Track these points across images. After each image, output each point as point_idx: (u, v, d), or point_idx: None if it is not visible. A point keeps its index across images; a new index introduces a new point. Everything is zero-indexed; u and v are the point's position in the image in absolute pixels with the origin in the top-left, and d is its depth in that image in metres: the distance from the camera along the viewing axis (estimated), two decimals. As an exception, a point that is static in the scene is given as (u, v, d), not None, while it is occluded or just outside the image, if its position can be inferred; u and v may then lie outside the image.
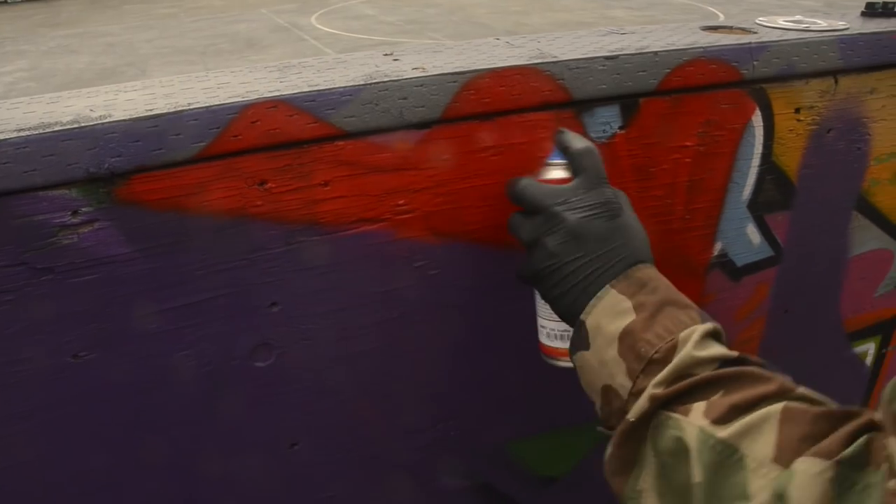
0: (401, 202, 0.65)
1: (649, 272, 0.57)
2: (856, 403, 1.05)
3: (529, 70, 0.65)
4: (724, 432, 0.46)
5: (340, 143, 0.61)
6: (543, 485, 0.91)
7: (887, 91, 0.90)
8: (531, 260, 0.59)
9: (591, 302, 0.55)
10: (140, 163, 0.55)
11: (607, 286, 0.55)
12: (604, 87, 0.68)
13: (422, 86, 0.62)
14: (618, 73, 0.69)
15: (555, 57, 0.67)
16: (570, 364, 0.61)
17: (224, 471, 0.68)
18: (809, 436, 0.44)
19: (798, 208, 0.90)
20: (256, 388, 0.67)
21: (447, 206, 0.67)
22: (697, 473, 0.46)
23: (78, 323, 0.56)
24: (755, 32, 0.82)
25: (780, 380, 0.50)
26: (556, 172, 0.61)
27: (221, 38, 9.94)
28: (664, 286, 0.56)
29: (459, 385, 0.77)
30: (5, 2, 16.71)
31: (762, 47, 0.76)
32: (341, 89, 0.59)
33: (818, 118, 0.85)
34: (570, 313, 0.57)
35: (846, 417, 0.44)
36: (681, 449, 0.48)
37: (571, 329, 0.58)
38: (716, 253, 0.86)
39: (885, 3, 0.95)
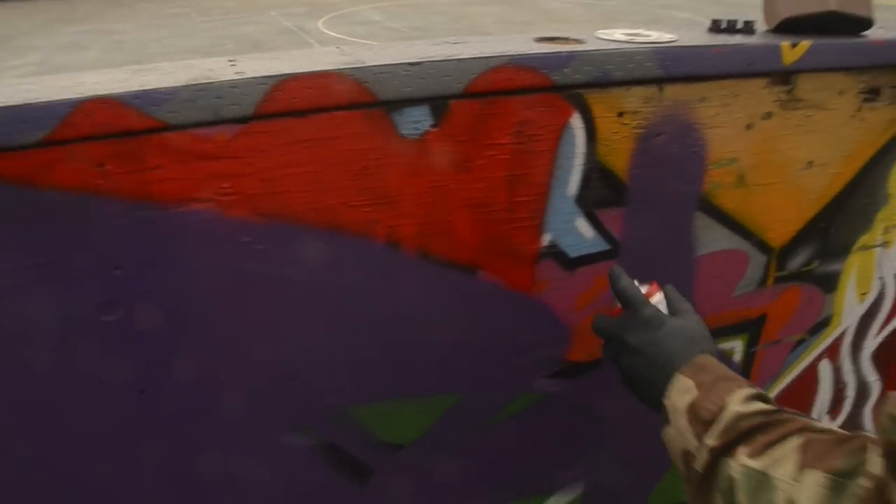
0: (225, 185, 0.82)
1: (707, 359, 0.78)
2: None
3: (333, 74, 0.81)
4: (758, 464, 0.63)
5: (166, 134, 0.78)
6: (391, 450, 1.06)
7: (719, 100, 1.04)
8: (623, 371, 0.87)
9: (668, 387, 0.76)
10: (4, 141, 0.72)
11: (675, 373, 0.75)
12: (409, 89, 0.84)
13: (235, 87, 0.78)
14: (422, 78, 0.84)
15: (362, 63, 0.83)
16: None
17: (81, 413, 0.85)
18: (820, 457, 0.59)
19: (632, 205, 1.04)
20: (106, 339, 0.84)
21: (269, 191, 0.84)
22: (742, 499, 0.63)
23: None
24: (583, 42, 0.97)
25: (804, 420, 0.66)
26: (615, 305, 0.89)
27: (228, 39, 10.36)
28: (718, 367, 0.76)
29: (298, 350, 0.94)
30: None
31: (571, 56, 0.91)
32: (163, 89, 0.76)
33: (644, 122, 0.99)
34: (652, 397, 0.80)
35: (849, 440, 0.60)
36: (732, 485, 0.65)
37: None
38: (545, 244, 1.00)
39: (728, 21, 1.10)
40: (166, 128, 0.77)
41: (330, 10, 13.20)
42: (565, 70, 0.90)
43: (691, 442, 0.71)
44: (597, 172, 0.99)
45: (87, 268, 0.79)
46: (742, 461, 0.64)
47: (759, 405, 0.69)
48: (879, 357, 1.47)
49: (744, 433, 0.66)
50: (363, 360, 0.97)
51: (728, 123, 1.06)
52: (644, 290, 0.90)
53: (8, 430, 0.82)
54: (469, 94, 0.87)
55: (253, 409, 0.94)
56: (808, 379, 1.42)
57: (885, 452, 0.54)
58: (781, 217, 1.19)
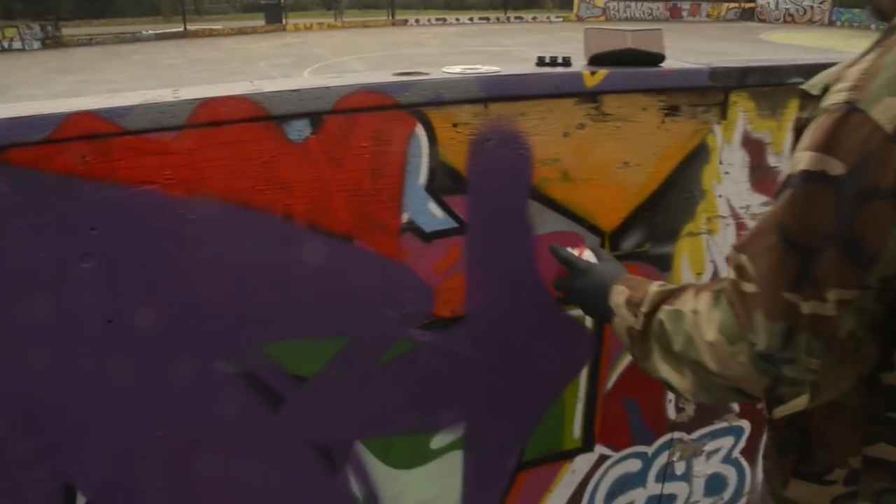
0: (167, 173, 1.29)
1: (629, 274, 1.23)
2: (587, 359, 1.63)
3: (238, 98, 1.28)
4: (673, 307, 1.01)
5: (126, 137, 1.25)
6: (297, 382, 1.50)
7: (537, 114, 1.50)
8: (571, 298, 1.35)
9: (609, 295, 1.19)
10: (14, 141, 1.19)
11: (612, 285, 1.19)
12: (292, 108, 1.31)
13: (172, 106, 1.26)
14: (301, 100, 1.31)
15: (259, 90, 1.30)
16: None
17: (60, 341, 1.30)
18: (706, 287, 0.98)
19: (472, 194, 1.49)
20: (84, 281, 1.29)
21: (198, 178, 1.30)
22: (669, 329, 1.00)
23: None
24: (427, 74, 1.45)
25: (692, 286, 1.04)
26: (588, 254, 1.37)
27: (214, 88, 11.52)
28: (638, 277, 1.21)
29: (221, 295, 1.38)
30: (23, 49, 18.83)
31: (411, 84, 1.38)
32: (123, 107, 1.24)
33: (475, 131, 1.45)
34: (600, 306, 1.22)
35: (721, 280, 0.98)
36: (661, 326, 1.02)
37: None
38: (404, 221, 1.45)
39: (550, 57, 1.57)
40: (126, 133, 1.24)
41: (316, 61, 14.38)
42: (406, 93, 1.37)
43: (631, 319, 1.11)
44: (440, 168, 1.44)
45: (72, 228, 1.25)
46: (664, 310, 1.03)
47: (670, 287, 1.10)
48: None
49: (663, 298, 1.06)
50: (271, 306, 1.41)
51: (547, 132, 1.51)
52: (576, 252, 1.38)
53: (13, 344, 1.27)
54: (336, 111, 1.34)
55: (193, 338, 1.38)
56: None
57: (733, 267, 0.91)
58: (608, 206, 1.63)
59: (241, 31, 26.71)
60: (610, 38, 1.55)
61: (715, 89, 1.63)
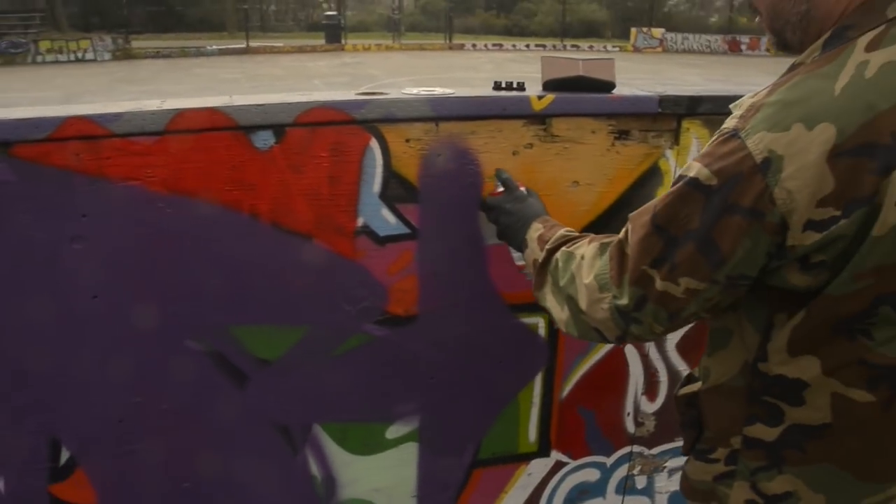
0: (149, 171, 1.50)
1: (547, 217, 1.43)
2: (540, 366, 1.76)
3: (211, 110, 1.49)
4: (569, 249, 1.22)
5: (114, 139, 1.47)
6: (261, 364, 1.68)
7: (486, 133, 1.65)
8: (499, 227, 1.53)
9: (527, 230, 1.39)
10: (21, 138, 1.43)
11: (531, 221, 1.40)
12: (258, 120, 1.51)
13: (153, 114, 1.47)
14: (266, 113, 1.51)
15: (230, 103, 1.50)
16: (528, 274, 1.40)
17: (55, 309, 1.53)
18: (596, 240, 1.18)
19: (424, 203, 1.65)
20: (76, 261, 1.52)
21: (176, 177, 1.51)
22: (560, 267, 1.21)
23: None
24: (386, 94, 1.62)
25: (591, 236, 1.23)
26: (499, 189, 1.55)
27: (268, 102, 12.31)
28: (553, 221, 1.40)
29: (193, 280, 1.58)
30: (95, 60, 20.39)
31: (364, 102, 1.55)
32: (112, 114, 1.46)
33: (426, 147, 1.61)
34: (517, 238, 1.42)
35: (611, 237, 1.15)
36: (556, 263, 1.23)
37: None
38: (359, 224, 1.62)
39: (506, 83, 1.72)
40: (114, 135, 1.47)
41: (370, 81, 14.88)
42: (362, 111, 1.55)
43: (537, 252, 1.31)
44: (394, 178, 1.61)
45: (66, 214, 1.48)
46: (562, 250, 1.24)
47: (574, 234, 1.31)
48: (685, 348, 1.96)
49: (565, 241, 1.26)
50: (237, 293, 1.60)
51: (497, 150, 1.66)
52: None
53: (9, 311, 1.50)
54: (297, 123, 1.53)
55: (167, 316, 1.58)
56: (616, 359, 1.92)
57: (624, 229, 1.09)
58: (559, 221, 1.75)
59: (301, 49, 27.55)
60: (563, 65, 1.69)
61: (666, 116, 1.74)
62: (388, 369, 1.75)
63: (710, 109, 1.75)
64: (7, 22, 23.59)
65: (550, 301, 1.24)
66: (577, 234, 1.30)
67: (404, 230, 1.64)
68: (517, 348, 1.82)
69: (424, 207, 1.64)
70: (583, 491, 2.03)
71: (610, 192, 1.76)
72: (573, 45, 30.09)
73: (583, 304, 1.12)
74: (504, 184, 1.54)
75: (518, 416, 1.90)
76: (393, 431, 1.81)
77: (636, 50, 29.58)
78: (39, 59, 22.24)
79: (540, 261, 1.28)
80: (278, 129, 1.52)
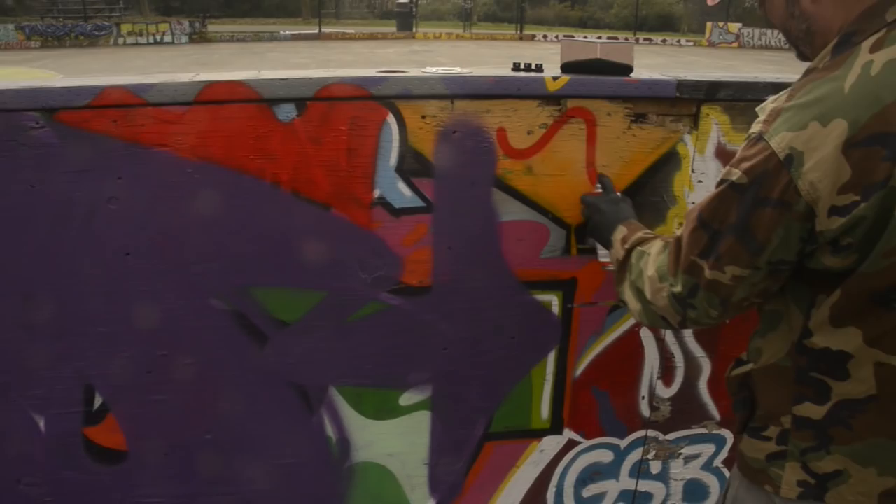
0: (178, 138, 1.61)
1: (633, 221, 1.50)
2: (554, 343, 1.82)
3: (237, 83, 1.59)
4: (642, 248, 1.35)
5: (147, 108, 1.59)
6: (280, 325, 1.78)
7: (501, 112, 1.70)
8: (590, 223, 1.63)
9: (614, 232, 1.47)
10: (64, 104, 1.56)
11: (618, 224, 1.48)
12: (281, 93, 1.60)
13: (184, 86, 1.58)
14: (288, 87, 1.60)
15: (256, 77, 1.60)
16: (610, 269, 1.57)
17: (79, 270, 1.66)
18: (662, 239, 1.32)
19: (438, 178, 1.71)
20: (108, 219, 1.65)
21: (203, 144, 1.62)
22: (634, 262, 1.33)
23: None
24: (404, 72, 1.69)
25: (663, 236, 1.34)
26: (597, 190, 1.69)
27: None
28: (638, 224, 1.49)
29: (217, 241, 1.69)
30: (172, 42, 21.18)
31: (382, 79, 1.63)
32: (146, 84, 1.58)
33: (442, 123, 1.68)
34: (605, 238, 1.52)
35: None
36: (633, 260, 1.34)
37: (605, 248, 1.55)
38: (376, 196, 1.70)
39: (525, 64, 1.76)
40: (147, 104, 1.58)
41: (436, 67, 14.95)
42: (378, 87, 1.63)
43: (619, 252, 1.41)
44: (410, 153, 1.68)
45: (102, 175, 1.60)
46: (637, 249, 1.35)
47: (651, 234, 1.41)
48: (702, 337, 1.97)
49: (641, 241, 1.37)
50: (259, 257, 1.71)
51: (511, 129, 1.71)
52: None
53: (51, 264, 1.65)
54: (318, 98, 1.62)
55: (194, 276, 1.70)
56: (632, 341, 1.95)
57: (682, 226, 1.20)
58: (572, 202, 1.79)
59: (372, 36, 27.93)
60: (581, 48, 1.73)
61: (685, 101, 1.75)
62: (402, 338, 1.82)
63: (731, 95, 1.76)
64: (94, 6, 24.75)
65: (627, 295, 1.35)
66: (651, 234, 1.40)
67: (419, 203, 1.71)
68: (530, 325, 1.87)
69: (439, 182, 1.71)
70: (595, 472, 2.06)
71: (626, 175, 1.79)
72: (646, 39, 29.47)
73: (648, 294, 1.25)
74: (603, 185, 1.65)
75: (531, 392, 1.94)
76: (406, 398, 1.88)
77: (711, 45, 28.78)
78: (121, 41, 23.35)
79: (620, 259, 1.39)
80: (300, 103, 1.61)
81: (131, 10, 26.22)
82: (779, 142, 1.02)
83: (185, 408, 1.79)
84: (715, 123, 1.78)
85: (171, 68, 15.92)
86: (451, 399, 1.90)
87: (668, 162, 1.79)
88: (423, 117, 1.66)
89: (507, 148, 1.71)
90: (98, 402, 1.74)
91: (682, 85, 1.72)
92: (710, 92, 1.74)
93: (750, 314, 1.26)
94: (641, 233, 1.42)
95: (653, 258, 1.27)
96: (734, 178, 1.09)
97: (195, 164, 1.61)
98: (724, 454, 2.11)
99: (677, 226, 1.84)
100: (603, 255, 1.69)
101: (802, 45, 1.17)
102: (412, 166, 1.68)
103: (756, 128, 1.09)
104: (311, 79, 1.60)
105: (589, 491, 2.09)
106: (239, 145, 1.62)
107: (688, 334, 1.97)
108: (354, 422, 1.88)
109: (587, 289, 1.87)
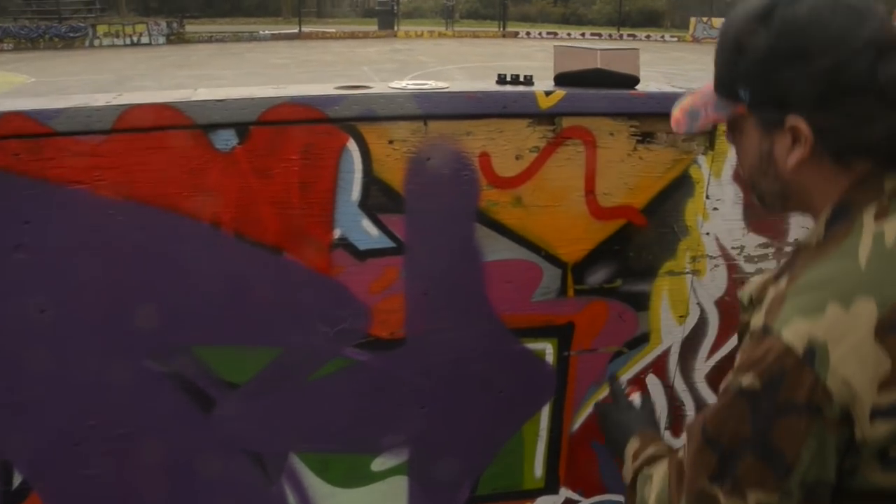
0: (96, 174, 1.33)
1: (647, 431, 1.27)
2: (548, 396, 1.54)
3: (162, 106, 1.30)
4: (648, 471, 1.11)
5: (56, 138, 1.30)
6: (229, 388, 1.50)
7: (484, 134, 1.42)
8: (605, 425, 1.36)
9: (627, 444, 1.24)
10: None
11: (633, 437, 1.25)
12: (218, 117, 1.31)
13: (99, 110, 1.29)
14: (226, 110, 1.31)
15: (186, 98, 1.31)
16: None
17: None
18: (671, 464, 1.04)
19: (410, 214, 1.43)
20: (15, 271, 1.36)
21: (127, 180, 1.33)
22: (639, 490, 1.11)
23: None
24: (369, 88, 1.41)
25: (669, 448, 1.16)
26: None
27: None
28: (650, 434, 1.26)
29: (149, 295, 1.40)
30: (149, 44, 20.85)
31: (341, 98, 1.34)
32: (53, 110, 1.29)
33: (413, 149, 1.40)
34: (620, 452, 1.27)
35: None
36: (637, 486, 1.13)
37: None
38: (336, 237, 1.42)
39: (511, 76, 1.48)
40: (56, 134, 1.29)
41: (419, 69, 14.75)
42: (336, 108, 1.34)
43: (629, 469, 1.20)
44: (375, 185, 1.40)
45: (5, 220, 1.32)
46: (644, 471, 1.13)
47: (663, 449, 1.18)
48: (715, 381, 1.70)
49: (650, 460, 1.15)
50: (199, 311, 1.42)
51: (497, 153, 1.43)
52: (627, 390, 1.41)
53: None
54: (263, 122, 1.33)
55: (122, 334, 1.41)
56: (636, 390, 1.68)
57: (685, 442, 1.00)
58: (569, 236, 1.52)
59: (353, 35, 27.36)
60: (577, 56, 1.45)
61: (698, 116, 1.48)
62: (373, 397, 1.55)
63: (752, 108, 1.48)
64: (71, 6, 24.16)
65: None
66: (663, 449, 1.18)
67: (388, 244, 1.44)
68: (521, 377, 1.60)
69: (411, 218, 1.43)
70: (596, 532, 1.80)
71: (630, 205, 1.52)
72: (630, 35, 29.20)
73: None
74: (613, 394, 1.40)
75: (522, 450, 1.68)
76: (379, 463, 1.61)
77: (695, 40, 28.54)
78: (97, 42, 22.75)
79: (629, 480, 1.20)
80: (241, 129, 1.33)
81: (109, 11, 25.64)
82: (793, 333, 0.82)
83: (124, 483, 1.51)
84: (732, 142, 1.51)
85: (148, 70, 15.51)
86: (431, 462, 1.64)
87: (680, 187, 1.53)
88: (391, 142, 1.38)
89: (492, 176, 1.43)
90: (17, 480, 1.46)
91: (695, 99, 1.44)
92: (728, 106, 1.46)
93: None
94: (652, 448, 1.19)
95: (655, 485, 1.06)
96: (743, 383, 0.86)
97: (118, 203, 1.33)
98: None
99: (689, 260, 1.58)
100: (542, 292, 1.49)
101: (770, 200, 0.98)
102: (378, 201, 1.40)
103: (757, 322, 0.89)
104: (253, 99, 1.31)
105: (590, 553, 1.83)
106: (170, 181, 1.33)
107: (699, 380, 1.71)
108: (320, 490, 1.60)
109: (586, 334, 1.60)
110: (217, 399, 1.49)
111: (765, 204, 0.99)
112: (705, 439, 0.92)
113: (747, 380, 0.86)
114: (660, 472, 1.09)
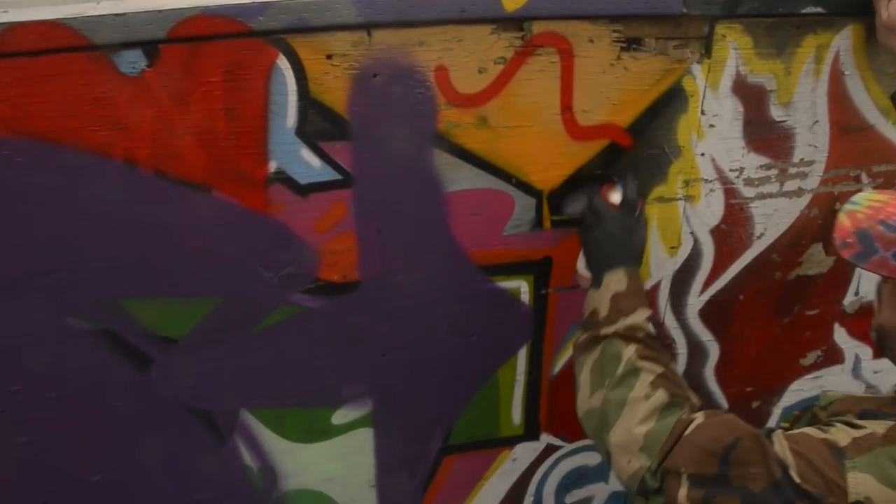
0: (-17, 107, 1.14)
1: (638, 273, 1.23)
2: (524, 338, 1.40)
3: (50, 23, 1.09)
4: (639, 362, 1.12)
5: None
6: (165, 343, 1.35)
7: (440, 45, 1.22)
8: (589, 236, 1.26)
9: (611, 271, 1.20)
10: None
11: (621, 268, 1.20)
12: (118, 35, 1.11)
13: (-24, 29, 1.09)
14: (127, 26, 1.11)
15: (81, 14, 1.10)
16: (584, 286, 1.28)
17: None
18: (670, 384, 1.11)
19: (357, 141, 1.25)
20: None
21: (19, 114, 1.12)
22: (620, 369, 1.12)
23: None
24: (305, -6, 1.20)
25: (669, 358, 1.20)
26: (615, 197, 1.27)
27: None
28: (640, 282, 1.22)
29: (61, 247, 1.24)
30: None
31: (266, 5, 1.13)
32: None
33: (356, 64, 1.20)
34: (597, 267, 1.23)
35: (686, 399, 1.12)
36: (616, 356, 1.14)
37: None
38: (272, 170, 1.24)
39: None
40: (-75, 61, 1.10)
41: None
42: (260, 18, 1.14)
43: (604, 312, 1.18)
44: (314, 108, 1.21)
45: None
46: (630, 353, 1.14)
47: (651, 329, 1.19)
48: (710, 316, 1.57)
49: (636, 338, 1.16)
50: (122, 260, 1.27)
51: (456, 66, 1.24)
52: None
53: None
54: (174, 39, 1.13)
55: (36, 290, 1.26)
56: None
57: (698, 412, 1.09)
58: (544, 161, 1.34)
59: None
60: (549, -53, 1.23)
61: (694, 19, 1.28)
62: (328, 346, 1.42)
63: (757, 10, 1.29)
64: None
65: (584, 379, 1.19)
66: (650, 330, 1.20)
67: (333, 176, 1.26)
68: (493, 319, 1.46)
69: (358, 146, 1.25)
70: (581, 476, 1.72)
71: (614, 122, 1.34)
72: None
73: (614, 437, 1.11)
74: (625, 199, 1.27)
75: (498, 396, 1.56)
76: (340, 416, 1.50)
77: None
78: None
79: (599, 334, 1.19)
80: (149, 48, 1.13)
81: None
82: (856, 482, 0.94)
83: (62, 449, 1.40)
84: (734, 48, 1.32)
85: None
86: (398, 413, 1.52)
87: (671, 102, 1.34)
88: (329, 57, 1.18)
89: (452, 93, 1.25)
90: (-62, 451, 1.34)
91: (690, -4, 1.25)
92: (729, 5, 1.27)
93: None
94: (640, 315, 1.19)
95: (648, 408, 1.10)
96: (788, 463, 0.97)
97: (11, 142, 1.15)
98: (734, 445, 1.76)
99: (681, 185, 1.41)
100: (584, 268, 1.34)
101: None
102: (319, 127, 1.22)
103: (843, 439, 0.97)
104: (160, 12, 1.11)
105: (573, 496, 1.75)
106: (71, 113, 1.15)
107: (692, 315, 1.57)
108: (278, 447, 1.50)
109: (565, 270, 1.46)
110: (154, 356, 1.35)
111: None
112: (723, 452, 0.99)
113: (793, 467, 0.95)
114: (656, 396, 1.09)
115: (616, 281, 1.20)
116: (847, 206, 1.07)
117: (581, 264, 1.36)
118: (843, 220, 1.05)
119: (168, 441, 1.44)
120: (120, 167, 1.19)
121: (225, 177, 1.23)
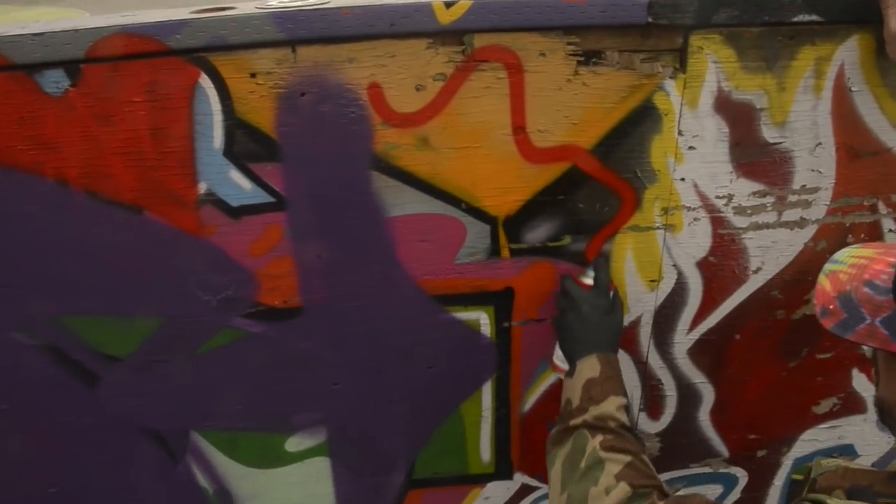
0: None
1: (614, 358, 1.21)
2: (487, 373, 1.35)
3: (-31, 42, 1.11)
4: (603, 454, 1.09)
5: None
6: (110, 361, 1.36)
7: (373, 61, 1.16)
8: (562, 320, 1.25)
9: (584, 357, 1.19)
10: None
11: (594, 354, 1.19)
12: (38, 55, 1.11)
13: None
14: (47, 46, 1.11)
15: (10, 32, 1.11)
16: (560, 377, 1.26)
17: None
18: (635, 475, 1.06)
19: (289, 162, 1.21)
20: None
21: (-50, 131, 1.17)
22: (583, 463, 1.10)
23: None
24: (232, 9, 1.16)
25: (640, 448, 1.12)
26: (587, 280, 1.24)
27: None
28: (616, 369, 1.20)
29: (1, 257, 1.27)
30: None
31: (183, 23, 1.11)
32: None
33: (282, 83, 1.15)
34: (571, 353, 1.22)
35: (655, 487, 1.07)
36: (582, 448, 1.11)
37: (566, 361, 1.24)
38: (202, 191, 1.22)
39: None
40: None
41: None
42: (178, 36, 1.11)
43: (576, 402, 1.16)
44: (241, 128, 1.17)
45: None
46: (595, 444, 1.10)
47: (623, 417, 1.15)
48: (701, 357, 1.43)
49: (605, 428, 1.12)
50: (60, 278, 1.28)
51: (390, 84, 1.17)
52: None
53: None
54: (94, 58, 1.12)
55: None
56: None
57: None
58: (496, 185, 1.26)
59: None
60: (496, -48, 1.14)
61: (664, 29, 1.16)
62: (275, 372, 1.38)
63: (738, 19, 1.15)
64: None
65: (555, 474, 1.15)
66: (622, 419, 1.15)
67: (265, 198, 1.23)
68: (451, 350, 1.39)
69: (290, 167, 1.21)
70: (562, 520, 1.60)
71: (576, 143, 1.23)
72: None
73: None
74: (596, 280, 1.25)
75: (463, 431, 1.49)
76: (294, 444, 1.46)
77: None
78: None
79: (569, 424, 1.16)
80: (70, 67, 1.13)
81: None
82: None
83: (12, 462, 1.44)
84: (713, 62, 1.18)
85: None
86: (354, 443, 1.47)
87: (641, 121, 1.22)
88: (254, 76, 1.14)
89: (388, 112, 1.18)
90: None
91: (657, 4, 1.13)
92: (702, 14, 1.14)
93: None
94: (612, 404, 1.15)
95: (607, 502, 1.07)
96: None
97: (-52, 158, 1.17)
98: (736, 494, 1.62)
99: (659, 212, 1.29)
100: (559, 358, 1.30)
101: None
102: (247, 147, 1.19)
103: None
104: (77, 31, 1.10)
105: (558, 541, 1.64)
106: (1, 132, 1.16)
107: (679, 355, 1.44)
108: (232, 470, 1.48)
109: (530, 301, 1.36)
110: (100, 374, 1.36)
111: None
112: None
113: None
114: (617, 491, 1.05)
115: (589, 367, 1.18)
116: (828, 266, 0.95)
117: (557, 354, 1.29)
118: (824, 283, 0.93)
119: (120, 459, 1.45)
120: (51, 186, 1.20)
121: (156, 197, 1.22)
